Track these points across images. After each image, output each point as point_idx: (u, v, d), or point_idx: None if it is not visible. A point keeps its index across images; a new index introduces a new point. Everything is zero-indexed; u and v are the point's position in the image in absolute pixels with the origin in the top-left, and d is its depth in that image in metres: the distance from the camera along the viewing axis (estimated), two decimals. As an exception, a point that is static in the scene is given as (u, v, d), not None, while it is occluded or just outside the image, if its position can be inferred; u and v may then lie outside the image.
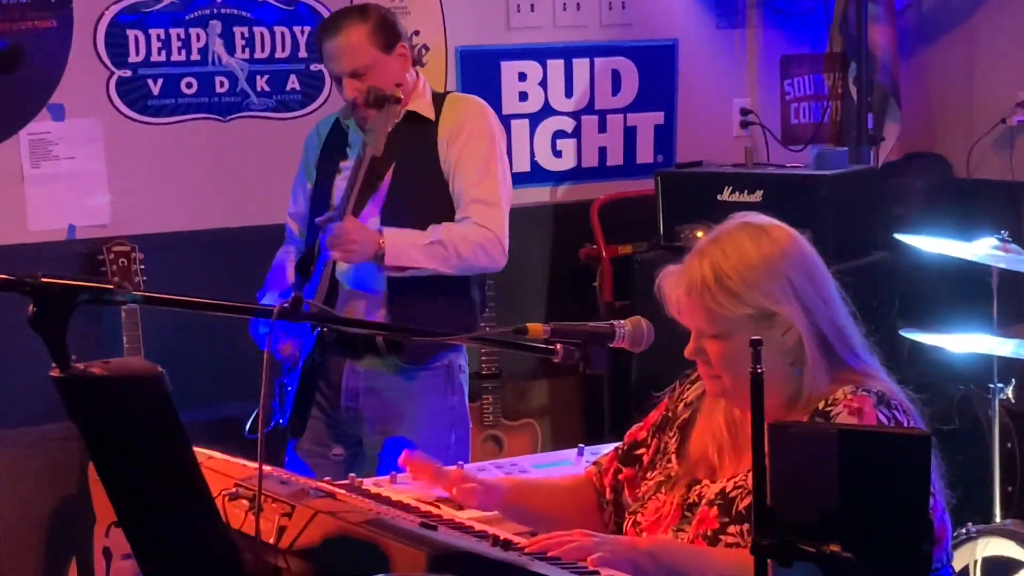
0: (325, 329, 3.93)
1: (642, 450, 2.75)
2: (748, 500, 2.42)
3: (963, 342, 4.16)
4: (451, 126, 3.99)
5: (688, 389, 2.73)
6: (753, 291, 2.46)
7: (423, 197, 3.97)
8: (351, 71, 3.93)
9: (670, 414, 2.73)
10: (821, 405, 2.47)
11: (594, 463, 2.84)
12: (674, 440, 2.68)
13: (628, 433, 2.81)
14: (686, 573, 2.36)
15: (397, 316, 3.91)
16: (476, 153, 3.98)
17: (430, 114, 4.02)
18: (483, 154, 3.98)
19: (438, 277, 3.90)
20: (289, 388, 3.99)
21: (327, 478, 2.86)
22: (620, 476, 2.75)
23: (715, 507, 2.50)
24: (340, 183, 4.00)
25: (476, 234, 3.91)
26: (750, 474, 2.39)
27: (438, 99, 4.08)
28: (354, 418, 4.01)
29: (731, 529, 2.46)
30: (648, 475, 2.70)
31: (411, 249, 3.86)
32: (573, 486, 2.82)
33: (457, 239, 3.89)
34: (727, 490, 2.52)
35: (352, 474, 3.05)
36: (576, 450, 3.39)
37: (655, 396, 2.80)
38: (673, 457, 2.66)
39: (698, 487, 2.57)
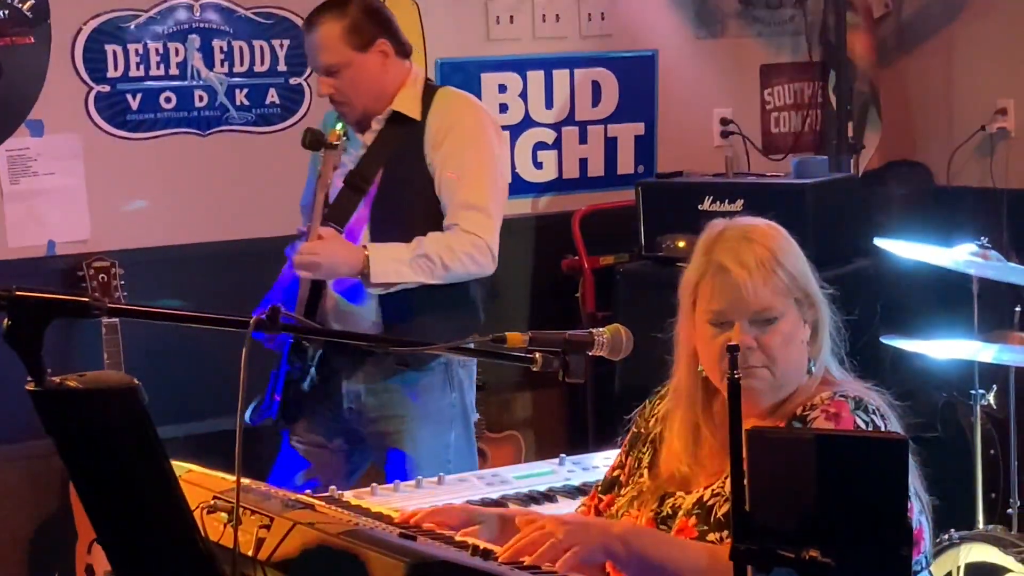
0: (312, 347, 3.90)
1: (618, 471, 2.76)
2: (726, 507, 2.42)
3: (944, 348, 4.17)
4: (436, 127, 3.92)
5: (658, 405, 2.74)
6: (802, 276, 2.53)
7: (412, 201, 3.91)
8: (323, 68, 3.91)
9: (641, 431, 2.74)
10: (799, 411, 2.49)
11: (581, 503, 2.85)
12: (647, 455, 2.69)
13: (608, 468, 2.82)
14: (657, 559, 2.35)
15: (391, 323, 3.88)
16: (462, 156, 3.89)
17: (416, 113, 3.94)
18: (470, 157, 3.90)
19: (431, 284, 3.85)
20: (278, 383, 3.95)
21: (307, 491, 2.85)
22: (601, 506, 2.76)
23: (693, 516, 2.50)
24: (336, 180, 3.94)
25: (463, 243, 3.84)
26: (727, 481, 2.41)
27: (428, 94, 3.99)
28: (357, 418, 3.97)
29: (710, 537, 2.45)
30: (622, 492, 2.70)
31: (396, 264, 3.80)
32: None
33: (443, 250, 3.83)
34: (704, 499, 2.51)
35: (332, 487, 3.04)
36: (557, 460, 3.39)
37: (626, 419, 2.80)
38: (645, 472, 2.66)
39: (671, 500, 2.57)
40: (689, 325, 2.58)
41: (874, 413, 2.47)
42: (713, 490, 2.50)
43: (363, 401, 3.94)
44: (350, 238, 3.90)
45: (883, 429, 2.45)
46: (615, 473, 2.76)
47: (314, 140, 3.88)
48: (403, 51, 4.00)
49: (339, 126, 3.87)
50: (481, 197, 3.90)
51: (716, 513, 2.47)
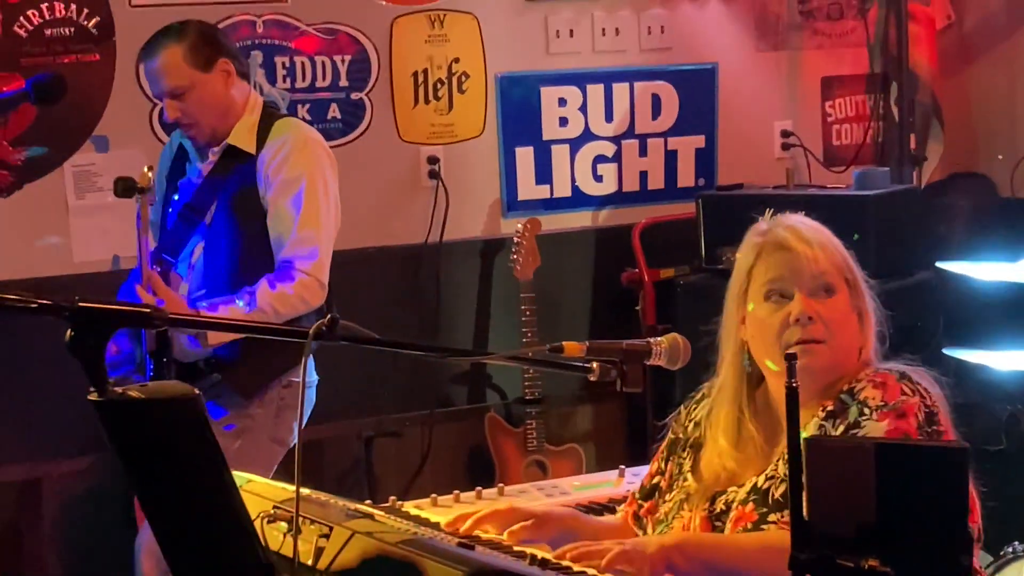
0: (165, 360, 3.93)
1: (658, 478, 2.78)
2: (783, 487, 2.45)
3: (1009, 360, 4.14)
4: (268, 160, 3.96)
5: (695, 409, 2.76)
6: (850, 261, 2.62)
7: (244, 233, 3.96)
8: (169, 92, 3.95)
9: (680, 436, 2.76)
10: (846, 387, 2.54)
11: (620, 510, 2.87)
12: (688, 460, 2.71)
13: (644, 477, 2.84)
14: (717, 560, 2.39)
15: (221, 355, 3.92)
16: (295, 192, 3.94)
17: (250, 147, 3.99)
18: (299, 193, 3.94)
19: None
20: None
21: (368, 500, 2.86)
22: (642, 512, 2.78)
23: (750, 503, 2.53)
24: (176, 203, 4.05)
25: (293, 288, 3.88)
26: (779, 463, 2.43)
27: (266, 124, 4.03)
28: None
29: (771, 518, 2.48)
30: (667, 496, 2.72)
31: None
32: (620, 527, 2.82)
33: (276, 300, 3.86)
34: (759, 484, 2.54)
35: (393, 496, 3.04)
36: (618, 471, 3.38)
37: (659, 424, 2.81)
38: (689, 475, 2.68)
39: (723, 496, 2.59)
40: (736, 318, 2.61)
41: (919, 383, 2.51)
42: (766, 475, 2.53)
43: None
44: (185, 269, 3.98)
45: (928, 399, 2.48)
46: (654, 480, 2.77)
47: (126, 188, 3.92)
48: (244, 72, 4.07)
49: (146, 168, 3.92)
50: (312, 233, 3.94)
51: (774, 494, 2.49)
